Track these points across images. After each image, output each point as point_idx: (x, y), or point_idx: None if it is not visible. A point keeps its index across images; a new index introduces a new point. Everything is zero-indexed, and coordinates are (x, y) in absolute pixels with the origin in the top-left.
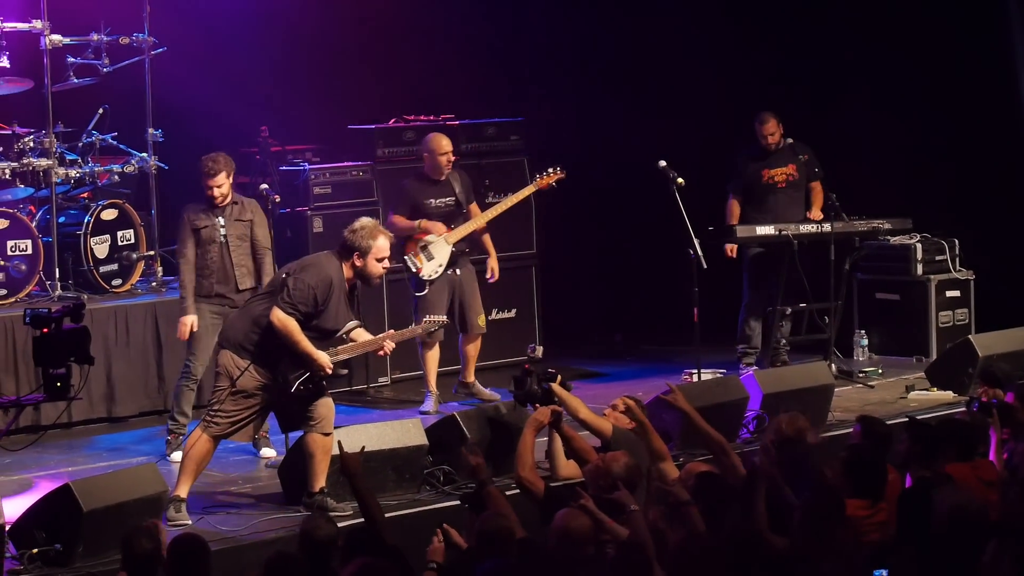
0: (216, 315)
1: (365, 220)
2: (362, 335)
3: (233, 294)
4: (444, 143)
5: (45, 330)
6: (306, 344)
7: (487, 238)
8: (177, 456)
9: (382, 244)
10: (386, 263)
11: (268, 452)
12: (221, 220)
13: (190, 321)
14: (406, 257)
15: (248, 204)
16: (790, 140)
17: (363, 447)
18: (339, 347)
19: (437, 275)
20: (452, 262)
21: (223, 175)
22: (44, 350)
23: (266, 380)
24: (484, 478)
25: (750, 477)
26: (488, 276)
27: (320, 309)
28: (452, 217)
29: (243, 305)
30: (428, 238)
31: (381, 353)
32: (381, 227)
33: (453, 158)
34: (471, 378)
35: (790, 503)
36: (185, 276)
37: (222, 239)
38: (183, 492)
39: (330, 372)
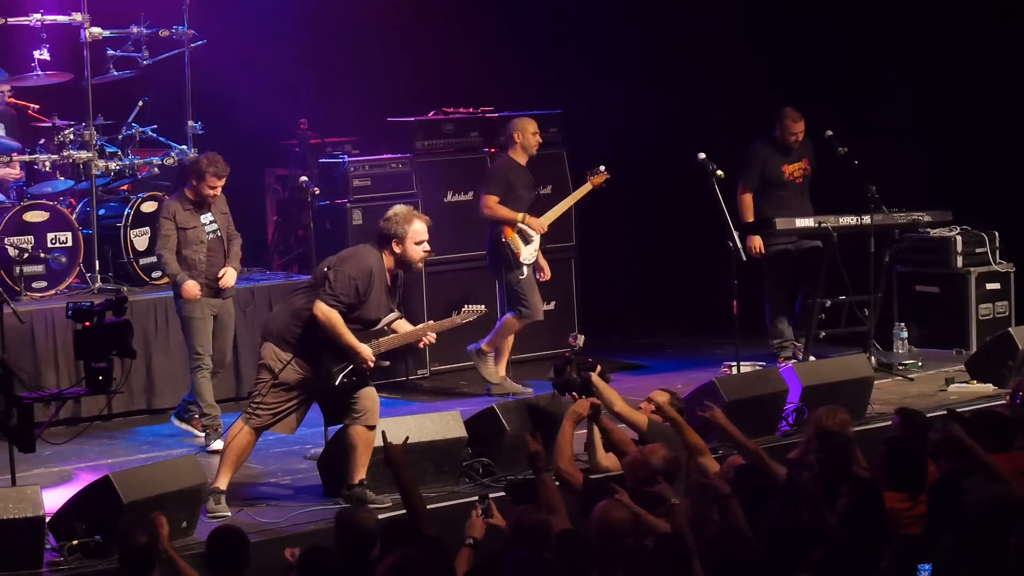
0: (212, 307)
1: (398, 207)
2: (403, 326)
3: (216, 285)
4: (534, 123)
5: (87, 324)
6: (349, 337)
7: None
8: (217, 445)
9: (418, 227)
10: (426, 246)
11: (216, 445)
12: (209, 217)
13: (195, 286)
14: (506, 240)
15: (221, 195)
16: (829, 132)
17: (407, 438)
18: (380, 339)
19: (534, 259)
20: (540, 246)
21: (224, 180)
22: (86, 344)
23: (308, 373)
24: (542, 465)
25: (792, 473)
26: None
27: (362, 299)
28: (533, 202)
29: (285, 298)
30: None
31: (422, 345)
32: (415, 212)
33: (536, 146)
34: (503, 372)
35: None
36: (172, 263)
37: (214, 235)
38: (223, 484)
39: (373, 365)
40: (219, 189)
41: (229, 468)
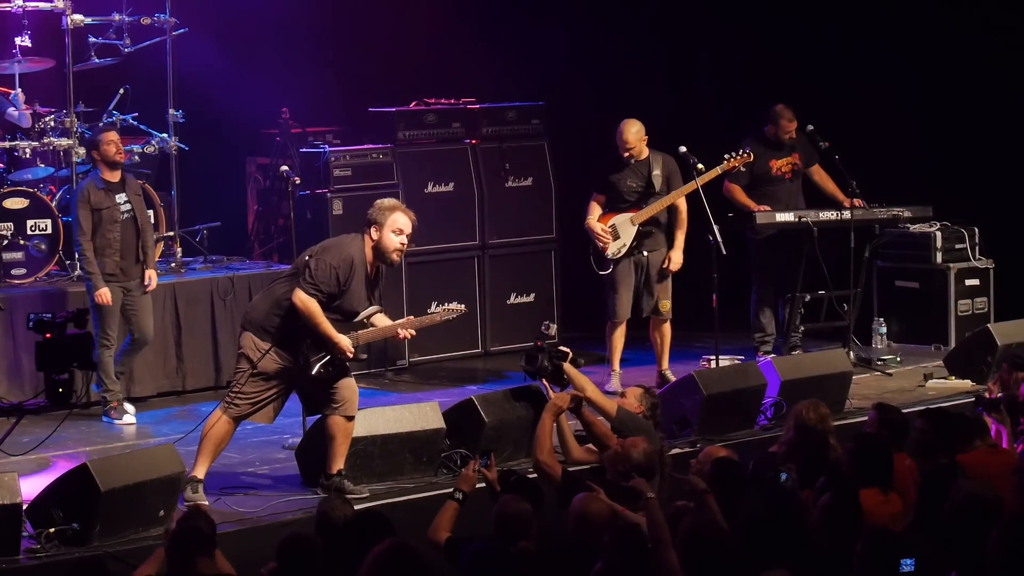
0: (122, 289)
1: (386, 199)
2: (383, 320)
3: (134, 267)
4: (627, 138)
5: (48, 335)
6: (327, 327)
7: (679, 232)
8: (126, 419)
9: (399, 218)
10: (403, 239)
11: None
12: (123, 197)
13: (108, 294)
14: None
15: (134, 180)
16: (811, 127)
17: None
18: (360, 331)
19: (621, 254)
20: (638, 243)
21: (115, 133)
22: (47, 355)
23: (287, 363)
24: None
25: (758, 467)
26: (663, 263)
27: (342, 289)
28: (644, 199)
29: (266, 287)
30: (615, 218)
31: (400, 338)
32: (403, 207)
33: (635, 153)
34: (664, 366)
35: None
36: (91, 252)
37: (128, 215)
38: (201, 473)
39: (351, 356)
40: (118, 143)
41: (207, 457)
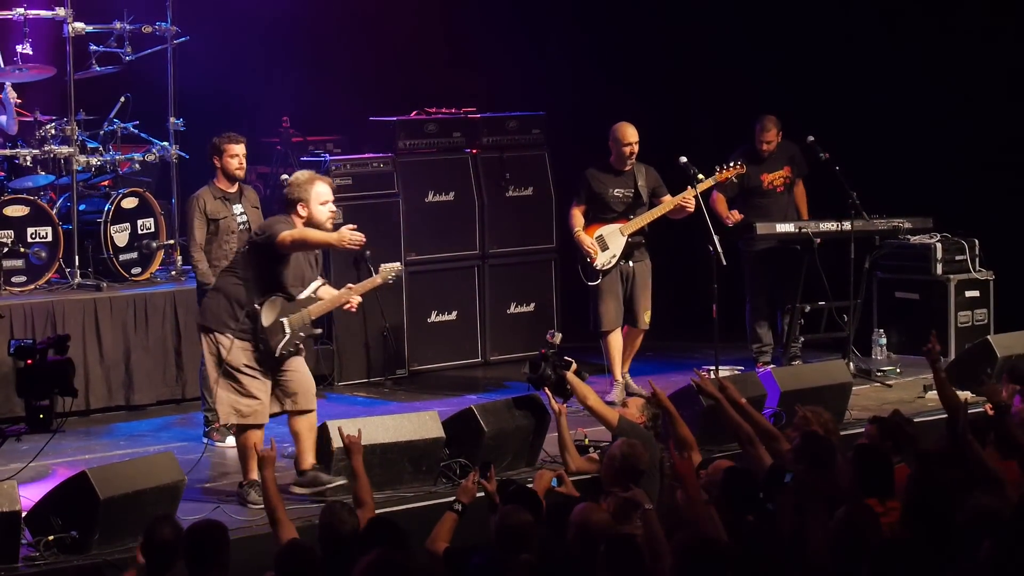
0: None
1: (299, 172)
2: (329, 291)
3: None
4: (629, 133)
5: (29, 361)
6: (319, 233)
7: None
8: (231, 441)
9: (321, 189)
10: (331, 207)
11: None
12: (239, 208)
13: None
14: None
15: (252, 191)
16: (811, 138)
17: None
18: (311, 307)
19: (610, 265)
20: (627, 254)
21: (243, 144)
22: (28, 381)
23: (253, 350)
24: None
25: (773, 471)
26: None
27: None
28: (632, 209)
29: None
30: (603, 229)
31: (348, 307)
32: (318, 175)
33: (636, 150)
34: (625, 369)
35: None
36: (203, 264)
37: (244, 227)
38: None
39: (348, 244)
40: (242, 157)
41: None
